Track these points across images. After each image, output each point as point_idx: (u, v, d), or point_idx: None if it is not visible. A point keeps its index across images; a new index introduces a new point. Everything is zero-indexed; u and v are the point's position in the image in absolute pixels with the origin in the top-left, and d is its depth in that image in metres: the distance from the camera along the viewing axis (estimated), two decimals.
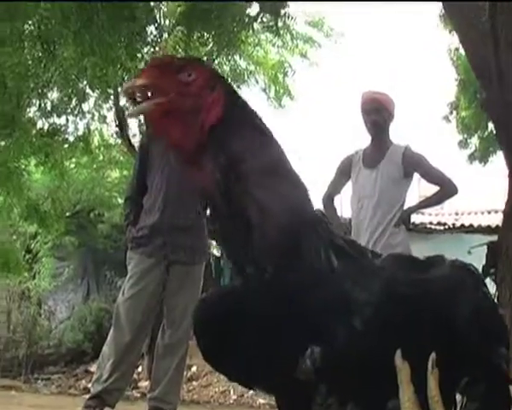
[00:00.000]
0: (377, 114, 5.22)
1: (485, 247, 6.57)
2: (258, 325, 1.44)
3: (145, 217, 5.58)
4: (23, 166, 8.85)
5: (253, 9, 7.90)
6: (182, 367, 5.56)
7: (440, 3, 7.24)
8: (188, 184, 5.37)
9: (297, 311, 1.35)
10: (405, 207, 5.30)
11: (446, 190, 5.24)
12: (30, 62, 7.42)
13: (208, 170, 1.46)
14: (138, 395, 8.34)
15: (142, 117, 5.86)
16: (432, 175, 5.31)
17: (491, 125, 9.45)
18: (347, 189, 5.64)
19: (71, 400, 5.84)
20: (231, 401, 8.51)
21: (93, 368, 9.70)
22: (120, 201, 11.19)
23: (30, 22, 7.06)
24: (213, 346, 1.56)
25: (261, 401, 8.50)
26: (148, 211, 5.57)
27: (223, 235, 1.53)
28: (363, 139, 5.56)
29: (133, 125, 10.89)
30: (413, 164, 5.27)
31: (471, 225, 13.04)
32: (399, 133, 5.90)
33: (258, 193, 1.42)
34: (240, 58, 10.14)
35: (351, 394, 1.35)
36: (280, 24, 8.67)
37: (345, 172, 5.54)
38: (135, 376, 9.66)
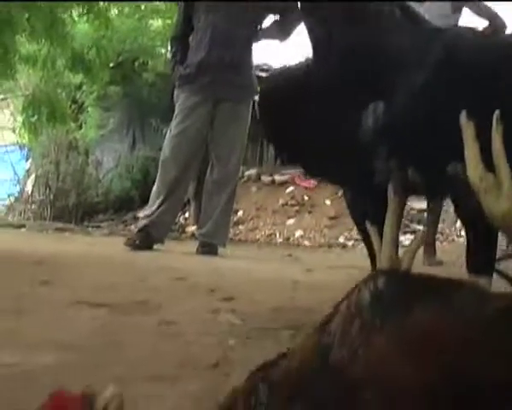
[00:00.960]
0: None
1: None
2: (324, 96, 1.45)
3: (192, 55, 5.56)
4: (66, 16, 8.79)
5: None
6: (231, 203, 5.68)
7: None
8: (236, 21, 5.32)
9: (361, 67, 1.35)
10: None
11: (496, 24, 5.11)
12: None
13: None
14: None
15: None
16: (481, 10, 5.19)
17: None
18: None
19: (122, 239, 6.02)
20: (277, 243, 8.70)
21: (141, 214, 9.98)
22: (163, 50, 11.12)
23: None
24: (276, 121, 1.57)
25: (306, 242, 8.69)
26: (195, 49, 5.55)
27: None
28: None
29: None
30: None
31: None
32: None
33: None
34: None
35: (411, 157, 1.37)
36: None
37: None
38: (182, 221, 9.92)
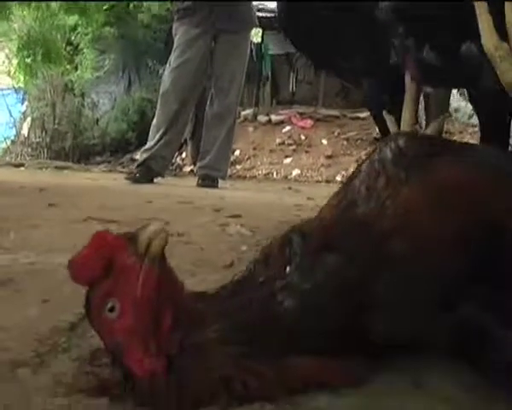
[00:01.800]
0: None
1: None
2: None
3: None
4: None
5: None
6: (231, 136, 5.68)
7: None
8: None
9: None
10: None
11: None
12: None
13: None
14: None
15: None
16: None
17: None
18: None
19: (122, 175, 6.04)
20: (275, 180, 8.72)
21: (138, 156, 9.97)
22: None
23: None
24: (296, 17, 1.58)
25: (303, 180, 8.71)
26: None
27: None
28: None
29: None
30: None
31: None
32: None
33: None
34: None
35: (427, 36, 1.38)
36: None
37: None
38: (179, 161, 9.93)
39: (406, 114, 1.43)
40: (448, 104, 5.85)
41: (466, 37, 1.36)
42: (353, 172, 1.13)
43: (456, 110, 10.15)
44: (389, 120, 1.55)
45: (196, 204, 3.52)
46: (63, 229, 2.51)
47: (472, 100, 1.82)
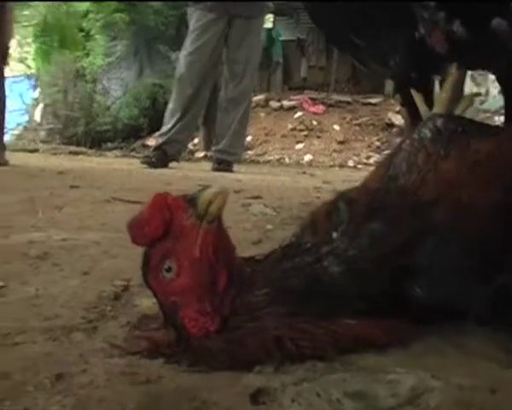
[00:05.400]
0: None
1: None
2: None
3: None
4: None
5: None
6: (246, 120, 5.70)
7: None
8: None
9: None
10: None
11: None
12: None
13: None
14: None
15: None
16: None
17: None
18: None
19: (137, 160, 6.07)
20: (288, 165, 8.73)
21: (149, 142, 9.99)
22: None
23: None
24: None
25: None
26: None
27: None
28: None
29: None
30: None
31: None
32: None
33: None
34: None
35: (457, 10, 1.40)
36: None
37: None
38: (191, 147, 9.94)
39: (443, 94, 1.45)
40: (462, 88, 5.84)
41: (497, 13, 1.37)
42: (393, 151, 1.16)
43: None
44: (418, 98, 1.57)
45: (215, 186, 3.54)
46: (89, 209, 2.55)
47: (500, 80, 1.83)
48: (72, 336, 1.02)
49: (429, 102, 1.58)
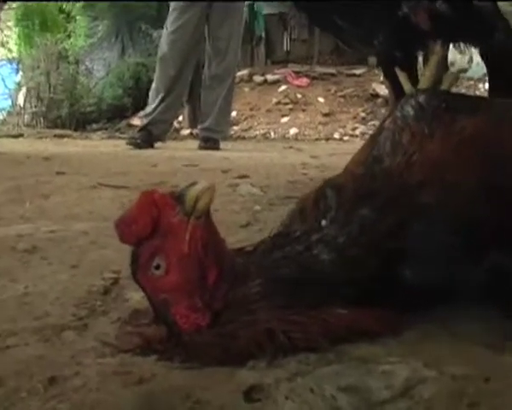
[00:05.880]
0: None
1: None
2: None
3: None
4: None
5: None
6: (230, 96, 5.67)
7: None
8: None
9: None
10: None
11: None
12: None
13: None
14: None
15: None
16: None
17: None
18: None
19: (123, 142, 6.03)
20: (274, 139, 8.70)
21: (135, 121, 9.92)
22: None
23: None
24: None
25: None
26: None
27: None
28: None
29: None
30: None
31: None
32: None
33: None
34: None
35: None
36: None
37: None
38: (176, 125, 9.88)
39: (427, 72, 1.45)
40: (446, 61, 5.83)
41: None
42: (376, 130, 1.15)
43: (452, 64, 10.11)
44: (402, 76, 1.56)
45: (202, 166, 3.54)
46: (76, 196, 2.54)
47: (483, 55, 1.83)
48: (63, 335, 1.01)
49: (414, 80, 1.57)
